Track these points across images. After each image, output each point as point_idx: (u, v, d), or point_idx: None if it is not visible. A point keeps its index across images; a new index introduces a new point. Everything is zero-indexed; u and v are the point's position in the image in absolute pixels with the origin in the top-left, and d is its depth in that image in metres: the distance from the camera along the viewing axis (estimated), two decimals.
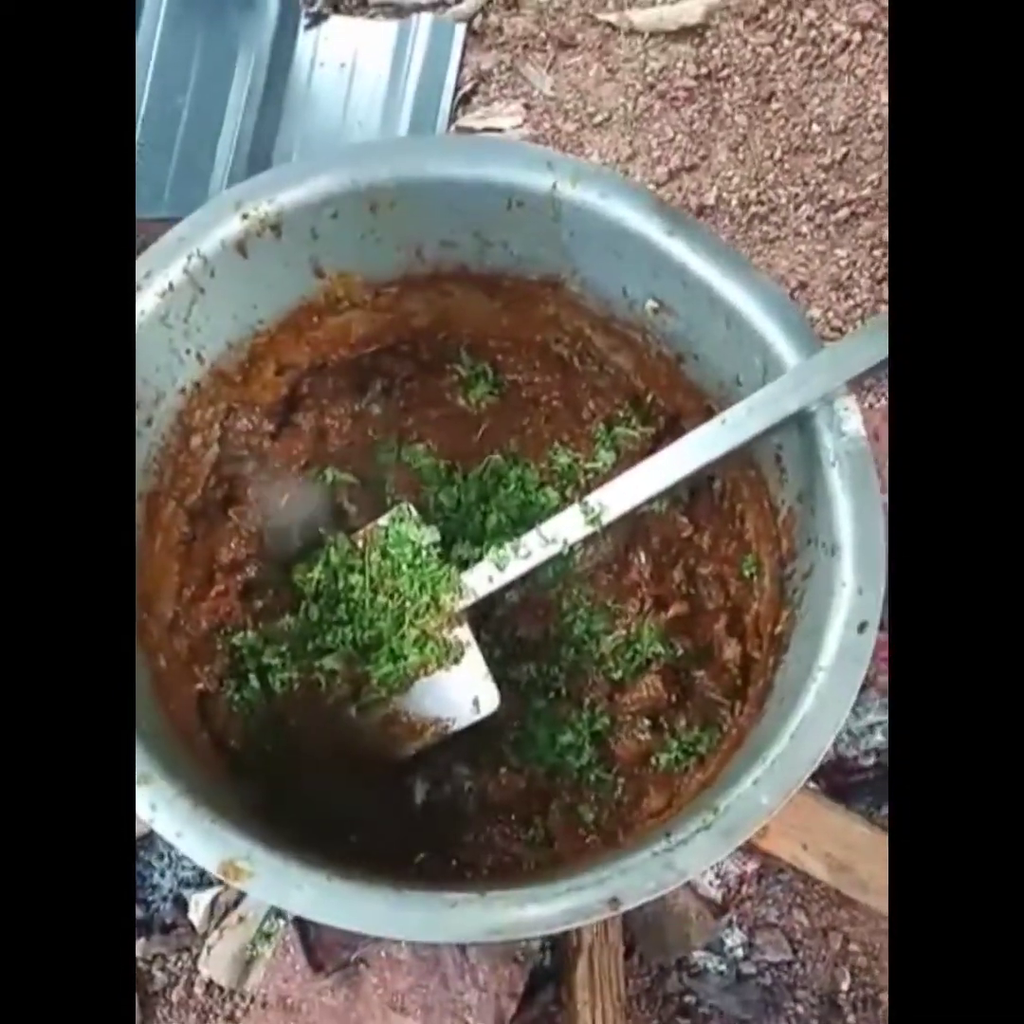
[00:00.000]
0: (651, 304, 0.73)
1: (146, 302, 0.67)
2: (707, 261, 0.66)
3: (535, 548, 0.72)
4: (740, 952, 1.01)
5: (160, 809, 0.60)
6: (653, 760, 0.78)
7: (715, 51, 1.23)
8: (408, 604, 0.76)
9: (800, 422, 0.65)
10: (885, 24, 1.23)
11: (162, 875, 1.05)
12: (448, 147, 0.69)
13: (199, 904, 1.03)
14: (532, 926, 0.57)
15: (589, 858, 0.72)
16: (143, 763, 0.62)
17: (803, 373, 0.63)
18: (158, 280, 0.68)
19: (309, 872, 0.59)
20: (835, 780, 1.03)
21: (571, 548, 0.72)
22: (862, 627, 0.60)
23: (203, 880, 1.03)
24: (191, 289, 0.69)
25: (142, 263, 0.68)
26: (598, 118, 1.23)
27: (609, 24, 1.25)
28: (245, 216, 0.68)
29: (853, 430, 0.64)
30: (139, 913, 1.04)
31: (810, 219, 1.20)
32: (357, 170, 0.68)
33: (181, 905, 1.04)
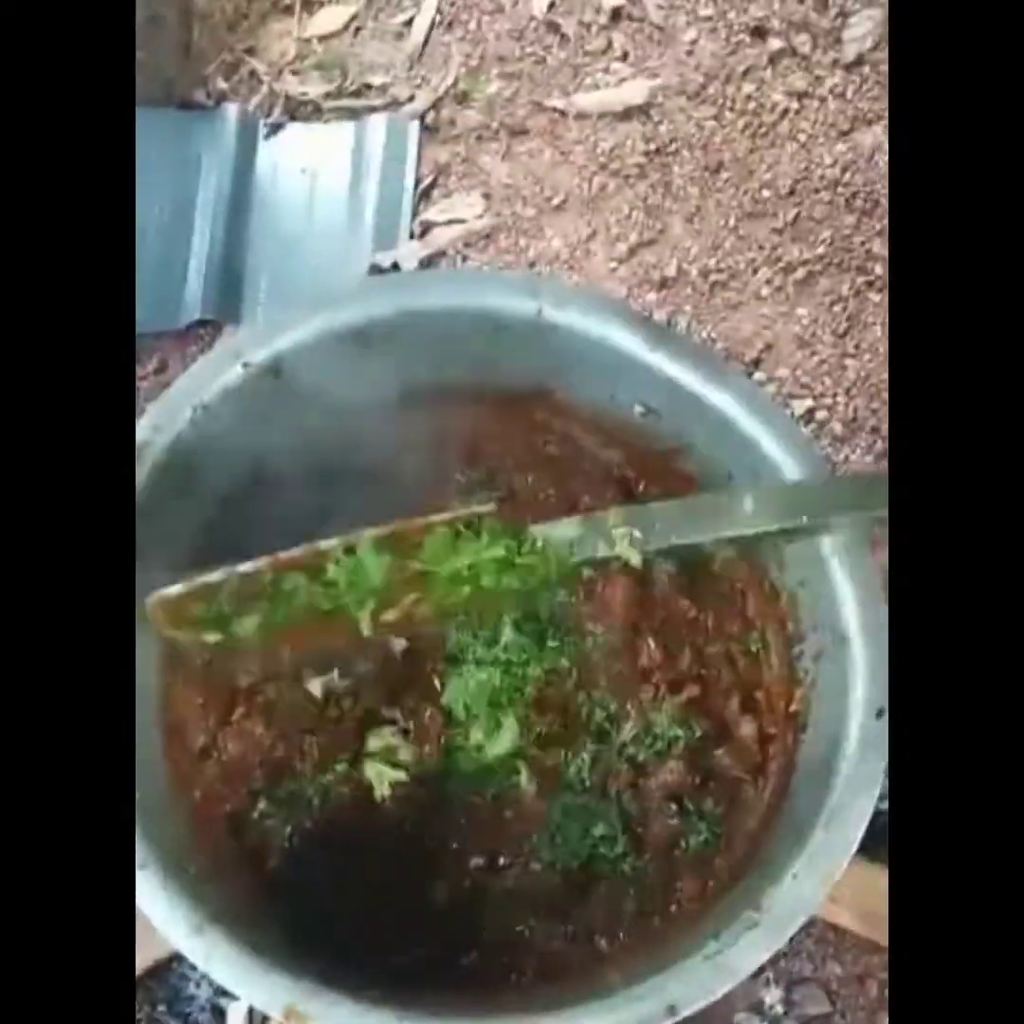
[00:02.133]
0: (639, 409, 0.76)
1: (157, 457, 0.70)
2: (692, 371, 0.69)
3: None
4: (780, 1009, 1.02)
5: (216, 960, 0.62)
6: (683, 843, 0.80)
7: (662, 128, 1.28)
8: None
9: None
10: (819, 91, 1.29)
11: (197, 985, 1.06)
12: (436, 281, 0.72)
13: (237, 1013, 1.03)
14: None
15: (631, 953, 0.74)
16: (196, 914, 0.63)
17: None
18: (166, 434, 0.70)
19: (369, 1010, 0.60)
20: None
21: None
22: (879, 713, 0.63)
23: None
24: (197, 439, 0.71)
25: (149, 418, 0.70)
26: (555, 201, 1.26)
27: (557, 110, 1.29)
28: (245, 365, 0.71)
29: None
30: None
31: (769, 282, 1.25)
32: (348, 312, 0.71)
33: (218, 1015, 1.04)
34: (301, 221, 1.25)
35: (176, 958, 1.06)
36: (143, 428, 0.70)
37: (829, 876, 0.60)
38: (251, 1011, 1.05)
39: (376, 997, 0.61)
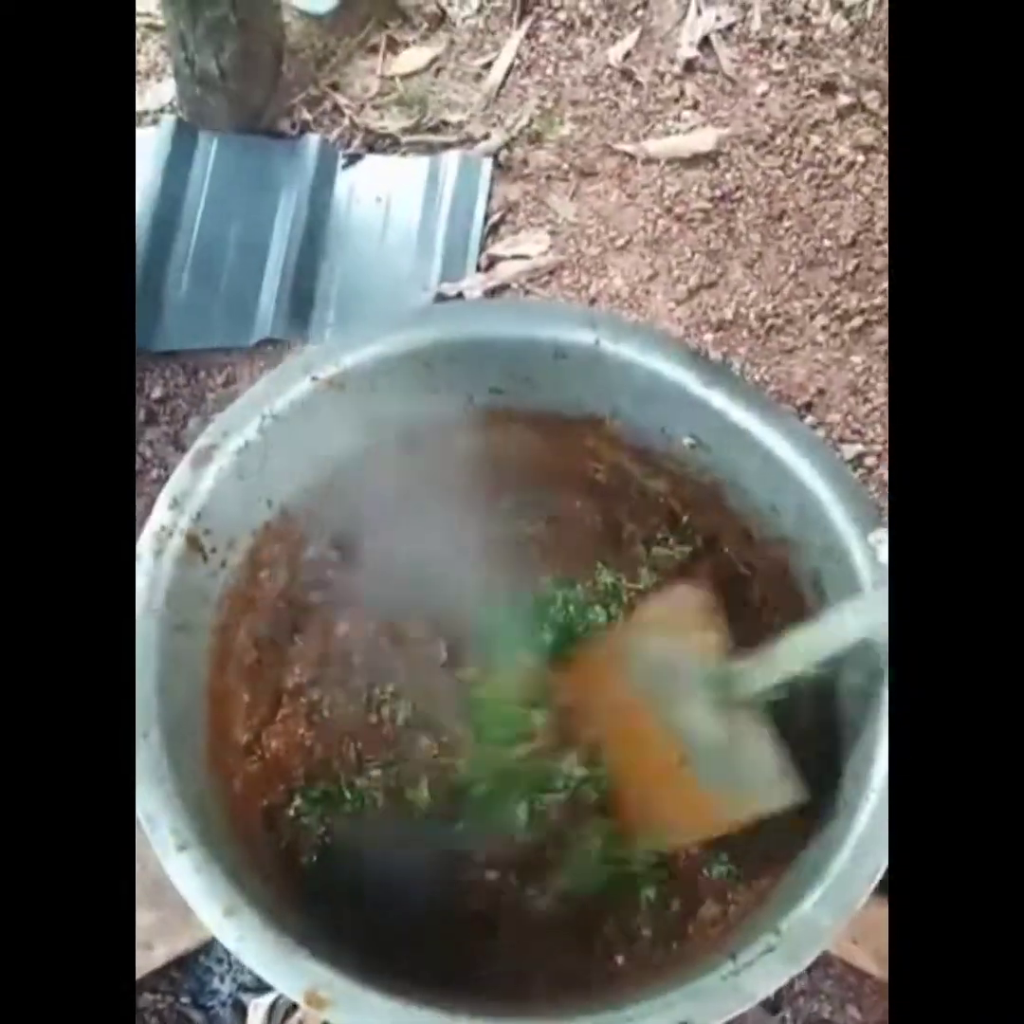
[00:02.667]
0: (688, 441, 0.78)
1: (224, 460, 0.73)
2: (744, 408, 0.72)
3: None
4: None
5: (248, 941, 0.64)
6: (705, 871, 0.81)
7: (728, 175, 1.31)
8: None
9: (837, 555, 0.70)
10: (886, 146, 1.31)
11: (221, 980, 1.07)
12: (499, 310, 0.76)
13: (258, 1009, 1.05)
14: None
15: (650, 972, 0.74)
16: (231, 895, 0.65)
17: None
18: (234, 439, 0.74)
19: (387, 999, 0.62)
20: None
21: None
22: None
23: (261, 985, 1.05)
24: (264, 445, 0.75)
25: (219, 424, 0.74)
26: (619, 241, 1.30)
27: (627, 154, 1.33)
28: (313, 378, 0.75)
29: (887, 560, 0.68)
30: (198, 1018, 1.06)
31: (825, 328, 1.26)
32: (415, 334, 0.74)
33: (240, 1010, 1.06)
34: (373, 249, 1.30)
35: (203, 951, 1.08)
36: (211, 433, 0.74)
37: (849, 906, 0.61)
38: (272, 1009, 1.07)
39: (392, 987, 0.63)
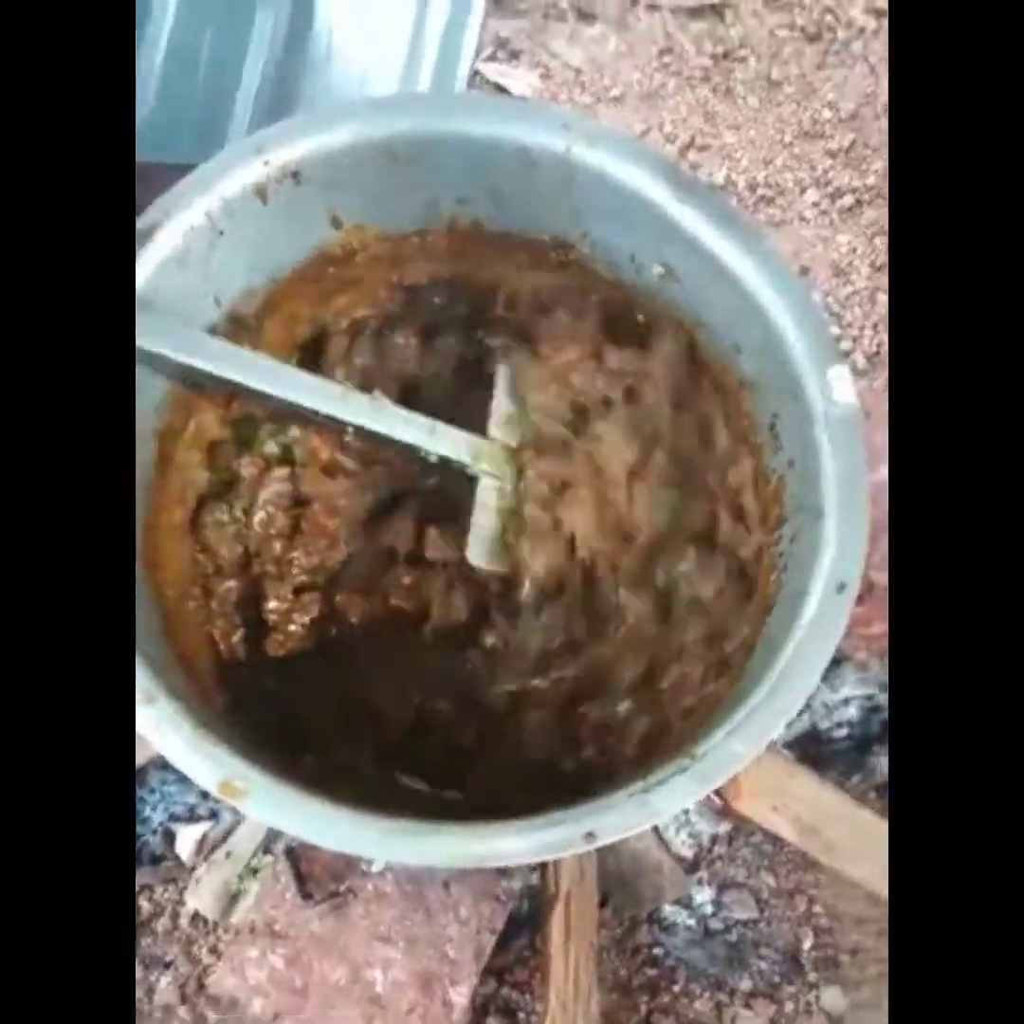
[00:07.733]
0: (658, 270, 0.75)
1: (165, 243, 0.69)
2: (717, 230, 0.68)
3: None
4: (709, 908, 1.04)
5: (164, 730, 0.63)
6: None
7: (732, 31, 1.25)
8: None
9: (795, 392, 0.68)
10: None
11: (153, 809, 1.08)
12: (467, 104, 0.71)
13: (188, 838, 1.06)
14: (512, 855, 0.59)
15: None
16: (150, 685, 0.64)
17: None
18: (179, 220, 0.69)
19: (303, 795, 0.61)
20: (808, 750, 1.06)
21: None
22: (841, 588, 0.63)
23: (192, 814, 1.05)
24: (210, 232, 0.71)
25: (162, 204, 0.70)
26: (613, 92, 1.24)
27: None
28: (266, 162, 0.70)
29: (844, 398, 0.66)
30: None
31: (815, 205, 1.22)
32: (378, 122, 0.70)
33: (169, 838, 1.07)
34: (355, 76, 1.23)
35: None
36: (153, 213, 0.70)
37: (763, 736, 0.60)
38: (202, 839, 1.07)
39: (313, 779, 0.62)
